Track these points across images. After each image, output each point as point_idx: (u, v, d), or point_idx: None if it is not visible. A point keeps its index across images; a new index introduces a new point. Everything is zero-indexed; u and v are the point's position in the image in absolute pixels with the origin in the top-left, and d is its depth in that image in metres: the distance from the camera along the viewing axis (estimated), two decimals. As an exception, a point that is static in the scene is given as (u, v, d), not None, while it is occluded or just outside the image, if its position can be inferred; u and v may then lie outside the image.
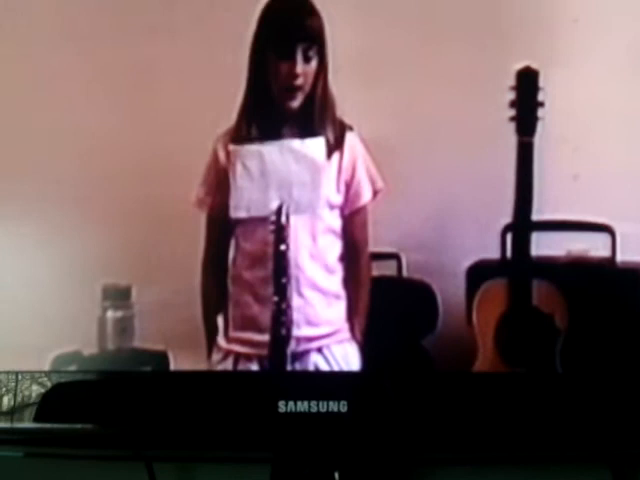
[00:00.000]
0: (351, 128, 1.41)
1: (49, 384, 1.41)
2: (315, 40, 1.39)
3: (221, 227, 1.42)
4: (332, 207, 1.41)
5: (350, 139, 1.41)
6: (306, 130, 1.41)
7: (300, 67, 1.40)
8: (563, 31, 1.38)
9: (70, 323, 1.43)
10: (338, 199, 1.41)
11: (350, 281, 1.42)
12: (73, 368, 1.42)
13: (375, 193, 1.41)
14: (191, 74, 1.42)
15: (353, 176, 1.41)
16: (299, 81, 1.40)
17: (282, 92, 1.41)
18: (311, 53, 1.40)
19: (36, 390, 1.41)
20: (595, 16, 1.37)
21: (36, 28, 1.46)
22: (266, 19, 1.40)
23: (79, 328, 1.43)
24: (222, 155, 1.42)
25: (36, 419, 1.40)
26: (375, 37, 1.40)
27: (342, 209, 1.42)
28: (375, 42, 1.40)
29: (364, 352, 1.40)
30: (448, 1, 1.40)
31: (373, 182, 1.41)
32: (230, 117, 1.41)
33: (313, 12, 1.40)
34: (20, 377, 1.41)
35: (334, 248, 1.42)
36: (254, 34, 1.40)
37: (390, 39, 1.40)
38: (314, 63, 1.40)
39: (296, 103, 1.41)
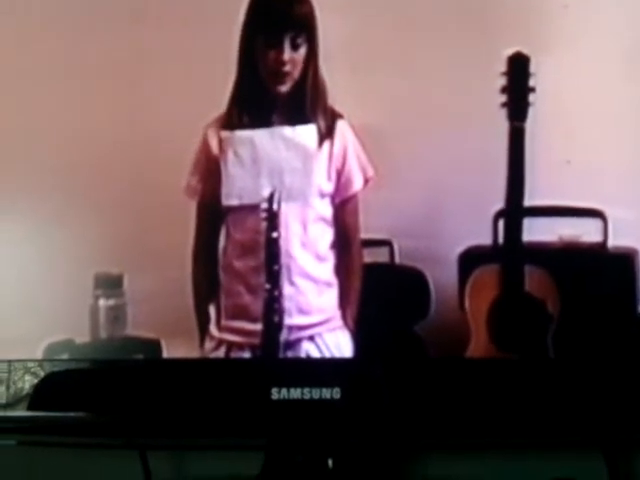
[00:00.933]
0: (341, 116, 1.41)
1: (42, 373, 1.41)
2: (303, 28, 1.39)
3: (212, 215, 1.42)
4: (323, 195, 1.41)
5: (341, 127, 1.41)
6: (297, 117, 1.41)
7: (287, 54, 1.39)
8: (554, 17, 1.38)
9: (62, 312, 1.43)
10: (329, 187, 1.41)
11: (341, 269, 1.42)
12: (65, 356, 1.42)
13: (366, 181, 1.41)
14: (180, 61, 1.41)
15: (344, 164, 1.41)
16: (287, 68, 1.40)
17: (271, 78, 1.41)
18: (299, 40, 1.40)
19: (29, 379, 1.41)
20: (586, 1, 1.37)
21: (21, 17, 1.45)
22: (254, 6, 1.40)
23: (71, 316, 1.43)
24: (214, 142, 1.41)
25: (29, 407, 1.40)
26: (365, 24, 1.40)
27: (333, 197, 1.41)
28: (365, 29, 1.40)
29: (356, 339, 1.40)
30: (439, -13, 1.40)
31: (364, 170, 1.41)
32: (220, 104, 1.41)
33: (300, 0, 1.39)
34: (13, 367, 1.41)
35: (325, 236, 1.42)
36: (243, 21, 1.40)
37: (381, 26, 1.40)
38: (303, 50, 1.40)
39: (285, 88, 1.41)
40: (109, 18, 1.43)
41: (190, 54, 1.41)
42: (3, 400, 1.40)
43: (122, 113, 1.43)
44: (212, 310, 1.42)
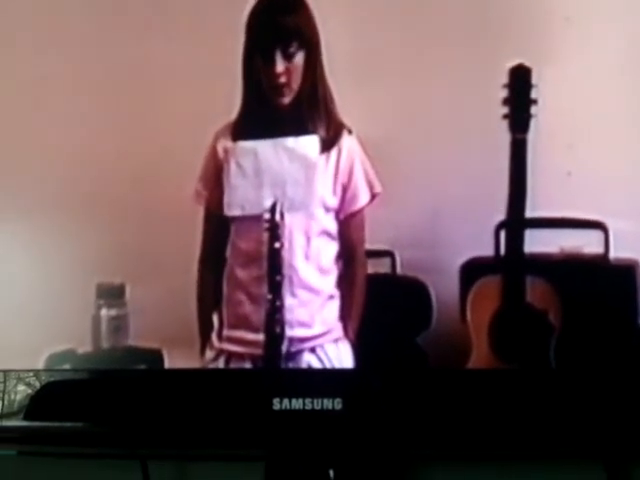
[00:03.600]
0: (350, 131, 1.41)
1: (37, 384, 1.41)
2: (293, 36, 1.39)
3: (218, 223, 1.42)
4: (327, 209, 1.41)
5: (348, 142, 1.41)
6: (299, 128, 1.41)
7: (280, 66, 1.40)
8: (556, 29, 1.38)
9: (64, 322, 1.43)
10: (334, 202, 1.41)
11: (344, 282, 1.42)
12: (67, 366, 1.42)
13: (373, 196, 1.41)
14: (187, 71, 1.42)
15: (350, 180, 1.41)
16: (282, 79, 1.40)
17: (271, 91, 1.41)
18: (292, 50, 1.40)
19: (30, 389, 1.41)
20: (587, 14, 1.38)
21: (26, 31, 1.46)
22: (249, 24, 1.40)
23: (73, 327, 1.43)
24: (221, 151, 1.42)
25: (30, 417, 1.40)
26: (369, 38, 1.41)
27: (337, 212, 1.42)
28: (369, 43, 1.41)
29: (357, 351, 1.40)
30: (441, 0, 1.40)
31: (371, 186, 1.41)
32: (230, 112, 1.41)
33: (290, 10, 1.40)
34: (17, 376, 1.41)
35: (329, 250, 1.42)
36: (244, 40, 1.41)
37: (384, 40, 1.41)
38: (299, 59, 1.40)
39: (286, 100, 1.41)
40: (117, 31, 1.44)
41: (197, 64, 1.42)
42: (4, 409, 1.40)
43: (127, 124, 1.44)
44: (215, 319, 1.42)
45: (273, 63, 1.40)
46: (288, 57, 1.40)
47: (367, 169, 1.41)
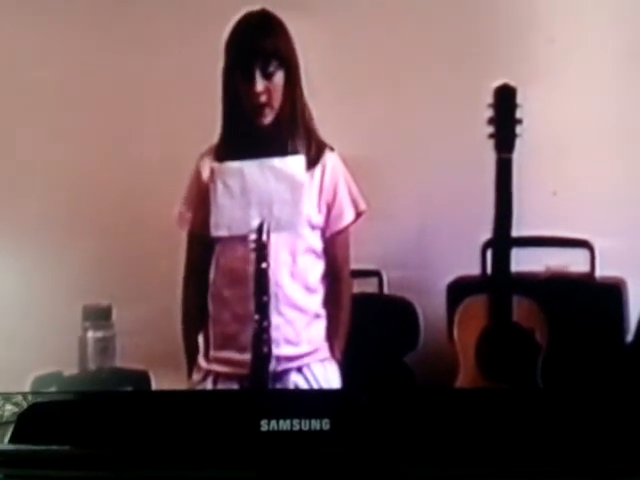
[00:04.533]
0: (332, 149, 1.41)
1: (24, 404, 1.40)
2: (272, 55, 1.40)
3: (202, 244, 1.42)
4: (313, 227, 1.42)
5: (332, 160, 1.41)
6: (284, 147, 1.41)
7: (260, 85, 1.40)
8: (540, 50, 1.39)
9: (51, 344, 1.42)
10: (319, 220, 1.42)
11: (330, 301, 1.42)
12: (53, 389, 1.42)
13: (358, 215, 1.41)
14: (173, 93, 1.42)
15: (335, 198, 1.42)
16: (263, 98, 1.41)
17: (252, 111, 1.41)
18: (271, 68, 1.40)
19: (15, 411, 1.40)
20: (571, 35, 1.39)
21: (13, 46, 1.46)
22: (228, 45, 1.41)
23: (60, 348, 1.42)
24: (205, 173, 1.42)
25: (17, 440, 1.39)
26: (352, 57, 1.41)
27: (323, 230, 1.42)
28: (353, 61, 1.41)
29: (344, 370, 1.40)
30: (426, 19, 1.41)
31: (356, 204, 1.41)
32: (213, 135, 1.41)
33: (268, 33, 1.40)
34: (4, 398, 1.40)
35: (315, 268, 1.42)
36: (224, 61, 1.41)
37: (368, 59, 1.41)
38: (278, 78, 1.41)
39: (267, 120, 1.41)
40: (102, 51, 1.44)
41: (182, 85, 1.42)
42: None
43: (108, 142, 1.43)
44: (201, 341, 1.42)
45: (253, 82, 1.40)
46: (268, 76, 1.40)
47: (351, 187, 1.41)
